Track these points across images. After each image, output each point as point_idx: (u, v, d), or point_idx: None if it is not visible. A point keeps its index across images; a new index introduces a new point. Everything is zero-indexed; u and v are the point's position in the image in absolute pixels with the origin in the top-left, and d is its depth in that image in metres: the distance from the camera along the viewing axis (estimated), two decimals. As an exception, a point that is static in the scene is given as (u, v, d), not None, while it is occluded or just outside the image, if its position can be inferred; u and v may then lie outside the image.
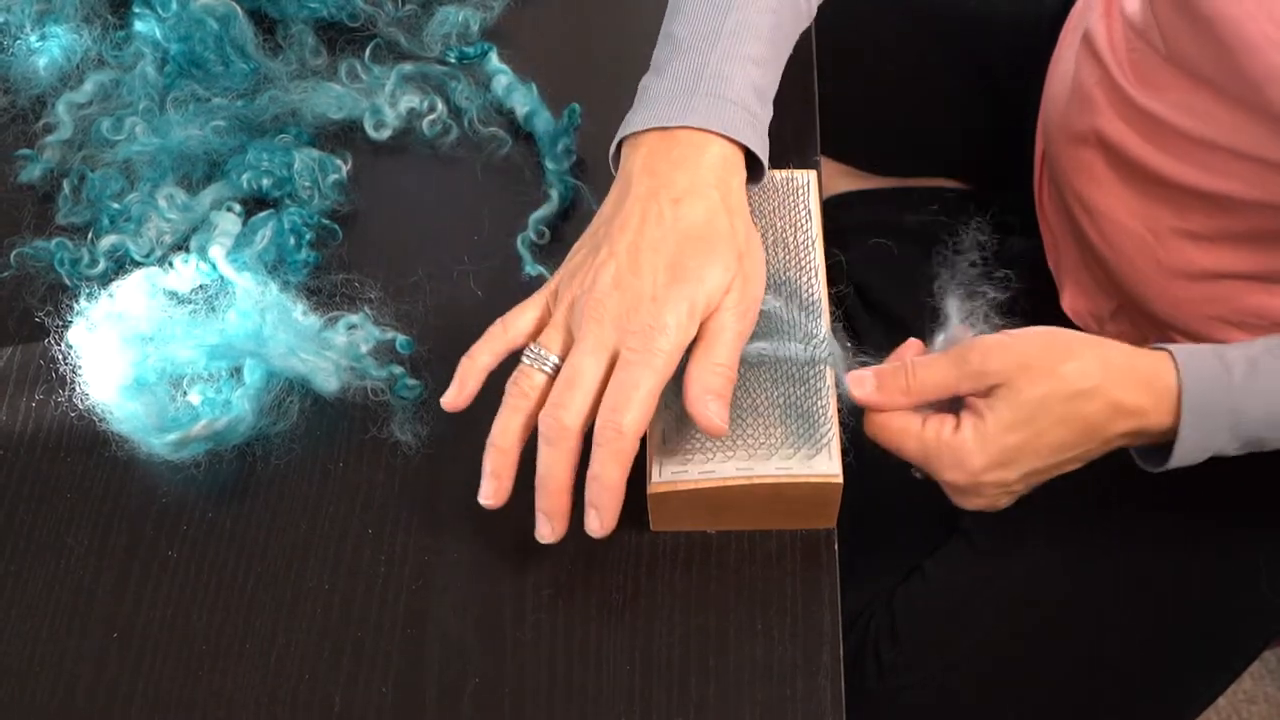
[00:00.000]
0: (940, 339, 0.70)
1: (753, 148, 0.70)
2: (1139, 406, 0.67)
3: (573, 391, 0.62)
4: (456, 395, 0.67)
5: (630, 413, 0.61)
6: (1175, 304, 0.86)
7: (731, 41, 0.72)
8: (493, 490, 0.65)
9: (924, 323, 0.71)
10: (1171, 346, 0.68)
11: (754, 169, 0.71)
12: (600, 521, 0.63)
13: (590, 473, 0.62)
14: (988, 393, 0.66)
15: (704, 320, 0.64)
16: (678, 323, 0.63)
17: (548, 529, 0.64)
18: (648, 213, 0.66)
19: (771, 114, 0.74)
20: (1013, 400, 0.65)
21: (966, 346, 0.67)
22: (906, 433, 0.67)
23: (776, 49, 0.76)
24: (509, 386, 0.65)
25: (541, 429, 0.63)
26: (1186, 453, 0.68)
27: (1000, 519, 0.85)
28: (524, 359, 0.65)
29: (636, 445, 0.62)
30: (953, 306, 0.70)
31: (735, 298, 0.65)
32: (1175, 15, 0.79)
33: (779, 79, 0.76)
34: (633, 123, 0.70)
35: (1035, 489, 0.71)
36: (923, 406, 0.68)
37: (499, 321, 0.68)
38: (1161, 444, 0.69)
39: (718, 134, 0.69)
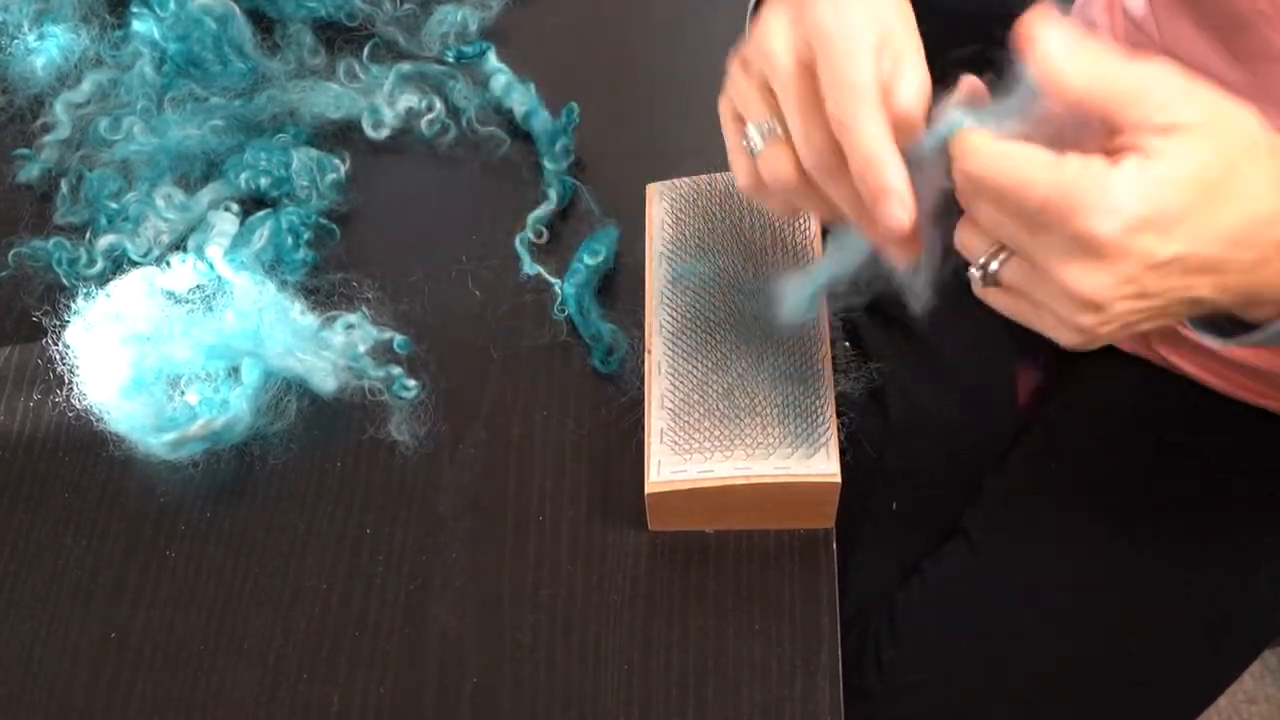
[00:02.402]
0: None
1: None
2: None
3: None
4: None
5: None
6: None
7: None
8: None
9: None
10: None
11: None
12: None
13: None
14: (1165, 130, 0.50)
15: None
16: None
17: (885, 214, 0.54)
18: None
19: None
20: (1202, 146, 0.50)
21: (1153, 72, 0.51)
22: (1035, 162, 0.50)
23: None
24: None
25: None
26: None
27: (1000, 520, 0.86)
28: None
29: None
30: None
31: None
32: (1172, 3, 0.79)
33: None
34: None
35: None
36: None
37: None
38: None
39: None
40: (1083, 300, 0.52)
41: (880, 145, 0.54)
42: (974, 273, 0.55)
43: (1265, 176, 0.52)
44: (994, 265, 0.54)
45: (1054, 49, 0.51)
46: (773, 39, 0.58)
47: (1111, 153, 0.50)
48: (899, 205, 0.53)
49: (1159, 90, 0.51)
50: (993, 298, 0.55)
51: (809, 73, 0.56)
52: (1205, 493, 0.84)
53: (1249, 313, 0.57)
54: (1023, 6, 0.99)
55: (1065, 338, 0.54)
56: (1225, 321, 0.59)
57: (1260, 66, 0.72)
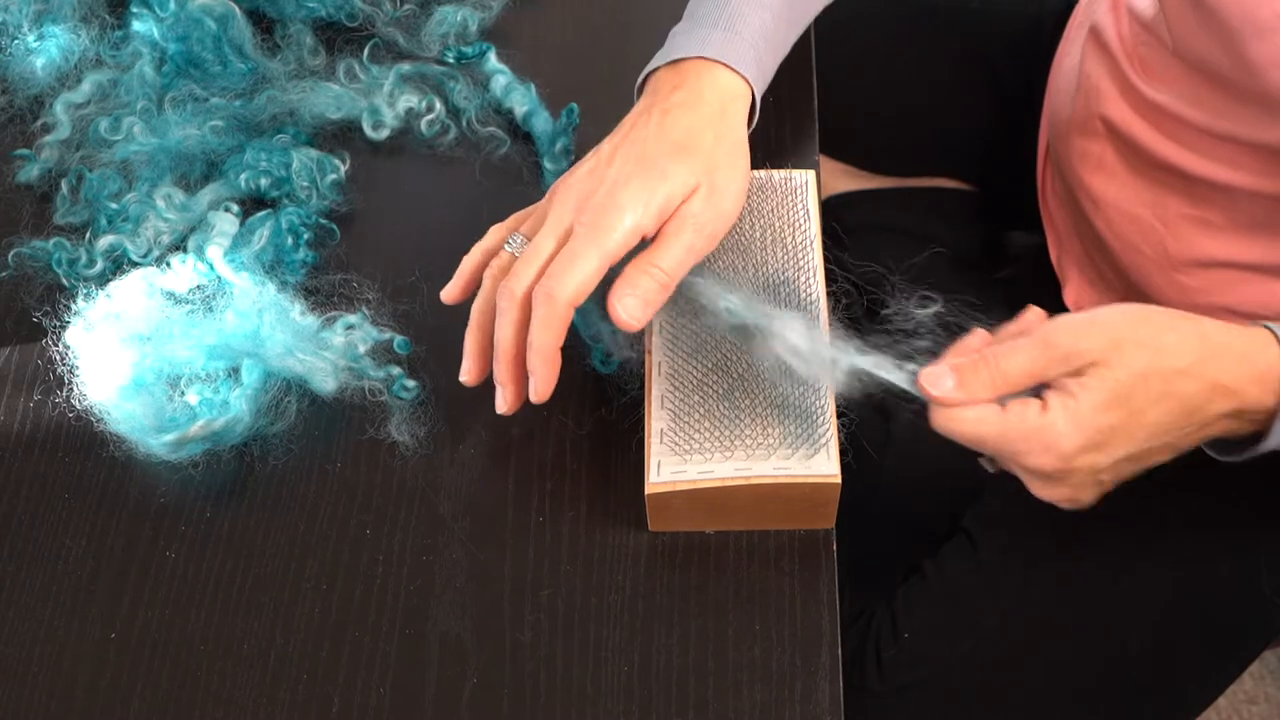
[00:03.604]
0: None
1: (753, 85, 0.72)
2: (1239, 385, 0.63)
3: (525, 264, 0.66)
4: (451, 287, 0.71)
5: (564, 280, 0.64)
6: (1181, 293, 0.86)
7: None
8: (468, 367, 0.70)
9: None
10: (1268, 323, 0.65)
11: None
12: (534, 386, 0.66)
13: (528, 340, 0.65)
14: (1079, 372, 0.61)
15: (663, 223, 0.66)
16: (632, 204, 0.65)
17: (501, 398, 0.68)
18: (638, 120, 0.70)
19: (773, 72, 0.77)
20: (1109, 377, 0.61)
21: (1050, 329, 0.62)
22: (984, 422, 0.62)
23: (794, 12, 0.78)
24: (486, 269, 0.70)
25: (496, 300, 0.67)
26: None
27: (1000, 520, 0.86)
28: (504, 247, 0.70)
29: (568, 313, 0.64)
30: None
31: (699, 206, 0.66)
32: (1184, 6, 0.79)
33: (789, 46, 0.79)
34: (652, 62, 0.74)
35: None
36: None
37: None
38: (1248, 434, 0.66)
39: (725, 65, 0.71)
40: (1052, 500, 0.65)
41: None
42: (983, 463, 0.67)
43: (1191, 366, 0.61)
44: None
45: (954, 410, 0.62)
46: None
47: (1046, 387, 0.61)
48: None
49: (1064, 344, 0.61)
50: None
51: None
52: (1206, 494, 0.84)
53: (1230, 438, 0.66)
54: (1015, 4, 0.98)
55: None
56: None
57: (1272, 72, 0.72)
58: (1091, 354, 0.61)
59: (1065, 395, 0.61)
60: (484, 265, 0.70)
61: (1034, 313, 0.65)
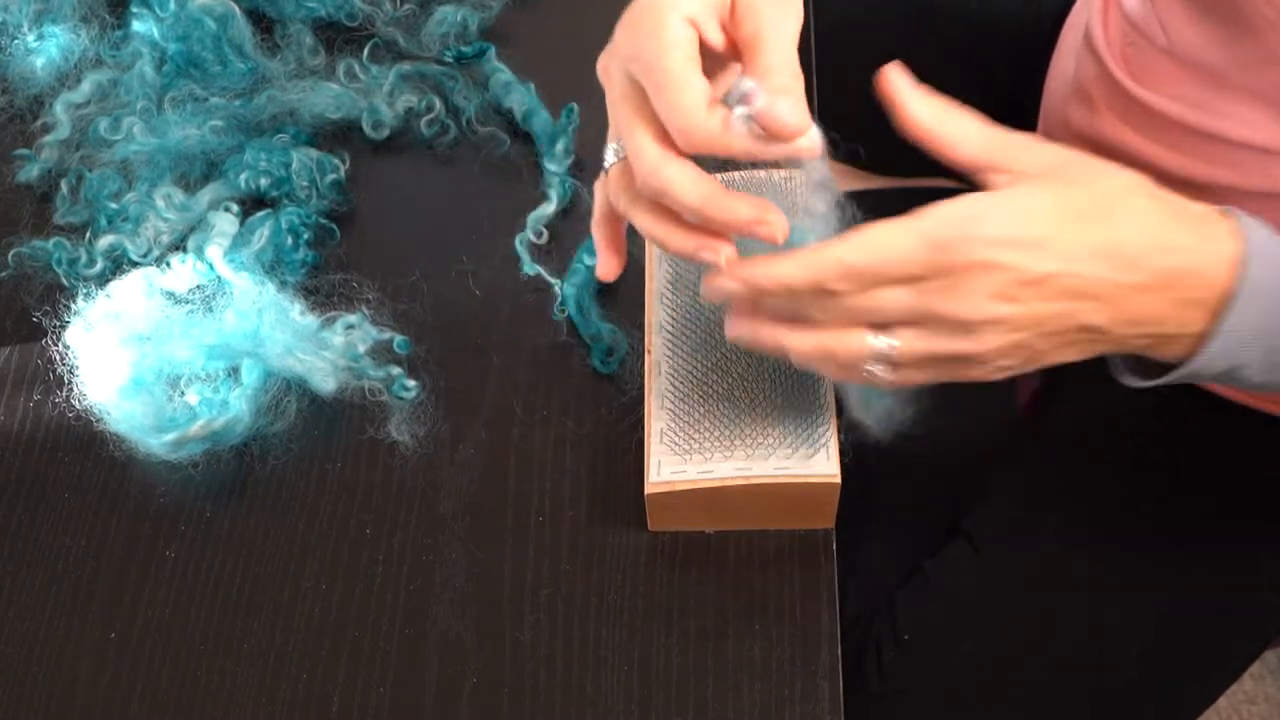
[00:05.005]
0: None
1: None
2: (1190, 243, 0.55)
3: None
4: (605, 257, 0.64)
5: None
6: None
7: None
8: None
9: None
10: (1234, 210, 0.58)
11: None
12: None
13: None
14: (1013, 178, 0.55)
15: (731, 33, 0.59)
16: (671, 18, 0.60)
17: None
18: None
19: None
20: (1046, 182, 0.55)
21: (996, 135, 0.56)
22: (901, 227, 0.55)
23: None
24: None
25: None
26: (1222, 348, 0.57)
27: (1001, 522, 0.86)
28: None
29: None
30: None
31: None
32: (1177, 4, 0.79)
33: None
34: None
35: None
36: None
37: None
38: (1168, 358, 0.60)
39: None
40: (975, 320, 0.54)
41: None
42: (876, 368, 0.57)
43: (1144, 208, 0.56)
44: (888, 343, 0.56)
45: (950, 125, 0.57)
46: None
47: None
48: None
49: (1005, 153, 0.56)
50: (905, 376, 0.58)
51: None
52: (1206, 494, 0.84)
53: (1161, 352, 0.60)
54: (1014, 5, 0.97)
55: (979, 371, 0.58)
56: (1150, 364, 0.61)
57: (1265, 70, 0.73)
58: (1031, 166, 0.56)
59: (996, 189, 0.56)
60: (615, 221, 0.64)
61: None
